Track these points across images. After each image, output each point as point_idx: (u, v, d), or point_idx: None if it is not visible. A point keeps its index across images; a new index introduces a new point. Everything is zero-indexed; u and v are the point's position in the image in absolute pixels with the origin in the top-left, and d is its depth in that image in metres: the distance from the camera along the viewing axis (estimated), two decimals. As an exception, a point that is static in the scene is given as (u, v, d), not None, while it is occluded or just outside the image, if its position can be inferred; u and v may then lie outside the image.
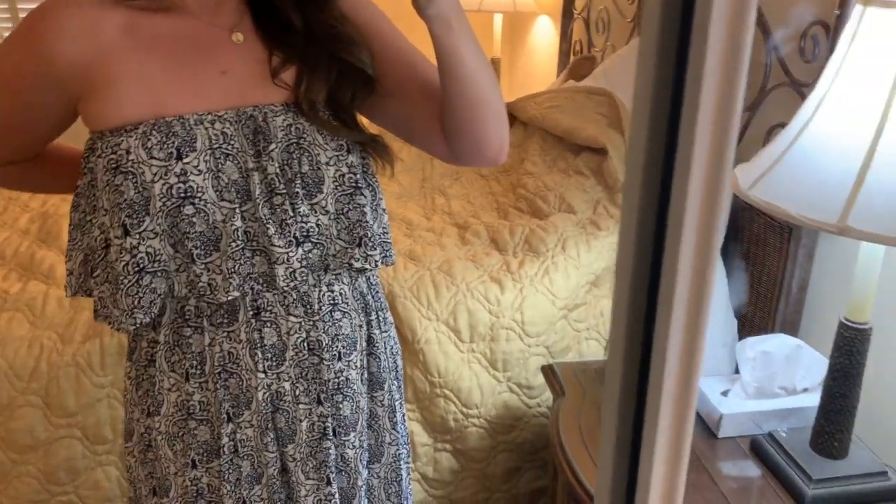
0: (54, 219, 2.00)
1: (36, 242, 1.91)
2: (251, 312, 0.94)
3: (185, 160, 0.86)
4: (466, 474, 1.71)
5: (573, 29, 3.06)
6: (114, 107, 0.85)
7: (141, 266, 0.87)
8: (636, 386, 0.36)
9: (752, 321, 1.75)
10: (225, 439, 0.96)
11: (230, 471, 0.98)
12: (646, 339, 0.35)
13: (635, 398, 0.37)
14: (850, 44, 1.03)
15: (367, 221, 0.94)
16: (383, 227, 0.99)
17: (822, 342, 1.43)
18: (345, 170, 0.93)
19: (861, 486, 1.18)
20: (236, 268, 0.90)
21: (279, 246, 0.90)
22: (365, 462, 1.06)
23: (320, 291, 0.96)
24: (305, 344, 0.96)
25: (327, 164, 0.91)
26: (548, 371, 1.57)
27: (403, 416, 1.14)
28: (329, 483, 1.00)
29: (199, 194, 0.87)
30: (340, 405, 1.00)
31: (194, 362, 0.95)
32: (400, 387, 1.12)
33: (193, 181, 0.86)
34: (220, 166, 0.88)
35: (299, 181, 0.90)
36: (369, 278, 1.04)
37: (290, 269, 0.91)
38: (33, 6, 0.88)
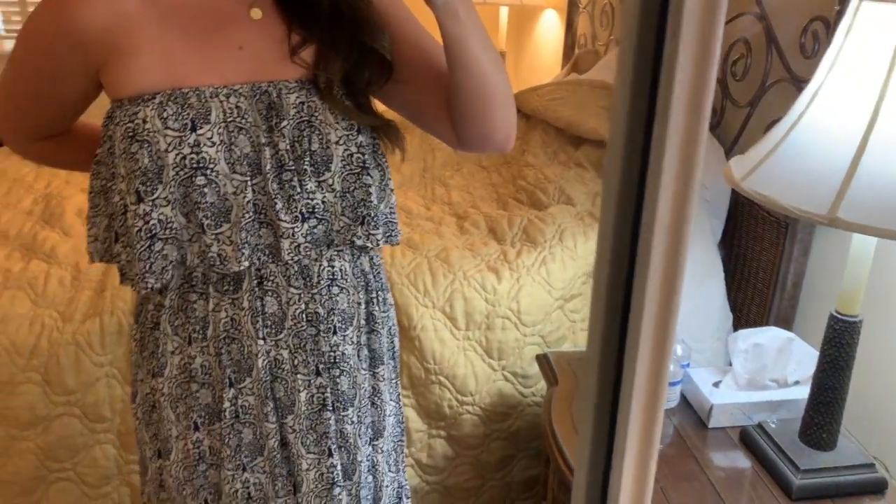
0: (57, 200, 2.02)
1: (39, 223, 1.92)
2: (255, 281, 0.96)
3: (199, 131, 0.88)
4: (460, 461, 1.73)
5: (578, 23, 3.07)
6: (133, 76, 0.88)
7: (153, 232, 0.90)
8: (614, 371, 0.38)
9: (747, 315, 1.76)
10: (227, 403, 0.99)
11: (231, 435, 1.00)
12: (623, 320, 0.37)
13: (612, 386, 0.39)
14: (845, 37, 1.04)
15: (371, 201, 0.96)
16: (390, 207, 1.01)
17: (816, 336, 1.44)
18: (354, 150, 0.94)
19: (848, 478, 1.19)
20: (247, 238, 0.92)
21: (285, 221, 0.92)
22: (367, 439, 1.08)
23: (321, 266, 0.98)
24: (304, 315, 0.98)
25: (337, 143, 0.93)
26: (542, 360, 1.58)
27: (398, 395, 1.16)
28: (331, 455, 1.02)
29: (212, 165, 0.89)
30: (338, 380, 1.01)
31: (197, 327, 0.98)
32: (396, 367, 1.13)
33: (206, 152, 0.88)
34: (233, 139, 0.90)
35: (308, 158, 0.92)
36: (372, 258, 1.06)
37: (295, 244, 0.93)
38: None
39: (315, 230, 0.95)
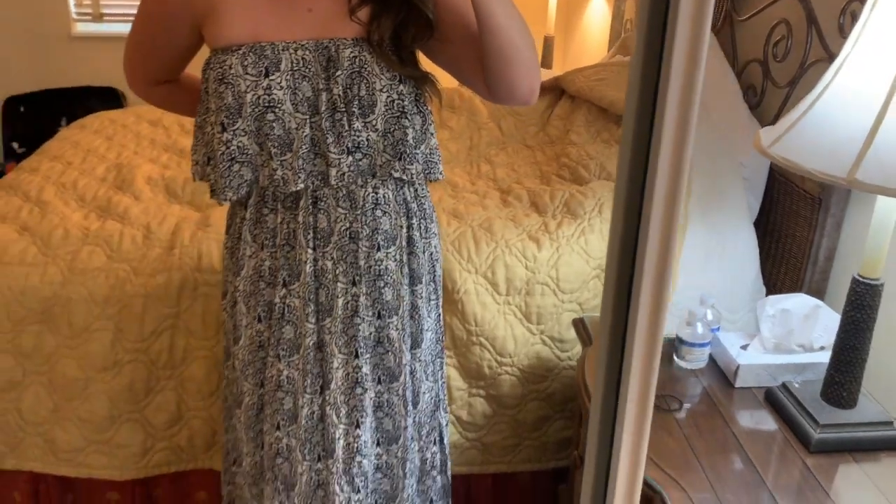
0: (128, 169, 2.17)
1: (112, 189, 2.07)
2: (310, 201, 1.17)
3: (271, 77, 1.10)
4: (498, 419, 1.82)
5: (625, 9, 3.11)
6: (224, 31, 1.11)
7: (233, 156, 1.13)
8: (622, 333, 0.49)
9: (780, 289, 1.81)
10: (277, 299, 1.20)
11: (276, 328, 1.21)
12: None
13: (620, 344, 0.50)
14: (871, 10, 1.09)
15: (408, 140, 1.15)
16: (430, 148, 1.19)
17: (844, 306, 1.48)
18: (395, 96, 1.13)
19: (866, 434, 1.24)
20: (304, 165, 1.13)
21: (334, 153, 1.12)
22: (408, 346, 1.26)
23: (365, 192, 1.18)
24: (348, 232, 1.18)
25: (381, 90, 1.12)
26: (578, 323, 1.66)
27: (438, 315, 1.32)
28: (357, 356, 1.21)
29: (280, 105, 1.11)
30: (382, 290, 1.20)
31: (268, 235, 1.20)
32: (437, 289, 1.30)
33: (276, 94, 1.10)
34: (297, 85, 1.11)
35: (356, 102, 1.12)
36: (417, 190, 1.25)
37: (341, 172, 1.14)
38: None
39: (360, 162, 1.14)
